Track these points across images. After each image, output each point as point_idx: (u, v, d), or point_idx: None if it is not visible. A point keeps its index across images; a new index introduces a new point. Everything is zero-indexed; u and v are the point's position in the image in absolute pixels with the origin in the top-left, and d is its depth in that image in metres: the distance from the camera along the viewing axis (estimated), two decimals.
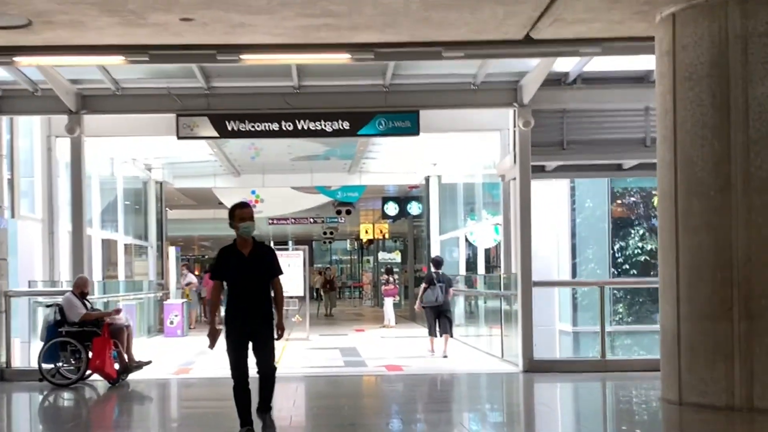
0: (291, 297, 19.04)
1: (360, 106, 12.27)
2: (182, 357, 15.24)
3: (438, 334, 14.34)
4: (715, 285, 8.51)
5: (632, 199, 16.59)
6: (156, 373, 12.26)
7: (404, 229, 30.85)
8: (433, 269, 14.99)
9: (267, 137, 12.54)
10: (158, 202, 22.27)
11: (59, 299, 11.37)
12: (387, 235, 35.61)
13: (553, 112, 12.32)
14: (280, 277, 7.26)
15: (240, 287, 7.04)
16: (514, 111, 12.10)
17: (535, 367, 11.80)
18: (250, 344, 7.16)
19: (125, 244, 20.35)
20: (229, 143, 19.99)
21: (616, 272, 15.42)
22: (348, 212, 27.19)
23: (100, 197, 18.35)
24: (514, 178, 12.43)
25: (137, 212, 21.85)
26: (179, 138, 12.07)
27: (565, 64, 11.83)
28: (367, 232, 37.89)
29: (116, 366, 11.18)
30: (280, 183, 23.62)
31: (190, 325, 21.31)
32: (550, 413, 9.77)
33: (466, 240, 20.20)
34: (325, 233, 38.17)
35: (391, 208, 26.00)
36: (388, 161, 22.65)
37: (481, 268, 18.09)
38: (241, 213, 7.02)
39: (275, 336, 7.27)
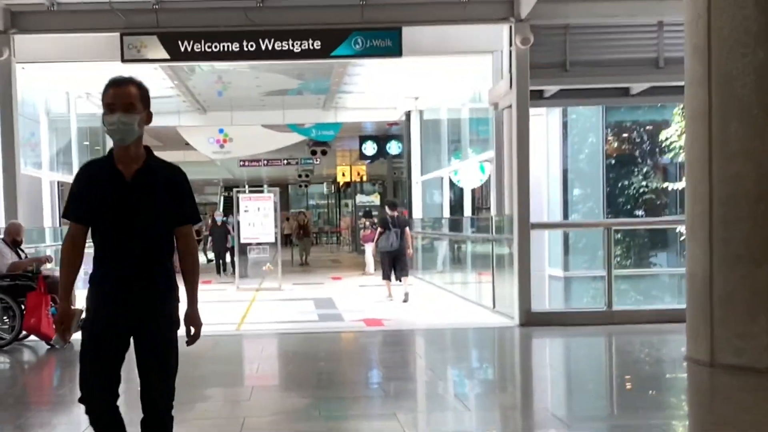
0: (261, 243, 17.56)
1: (333, 22, 10.64)
2: None
3: (397, 278, 14.00)
4: (757, 222, 7.22)
5: (631, 134, 15.26)
6: None
7: (383, 171, 29.33)
8: (388, 212, 14.45)
9: (226, 60, 10.83)
10: None
11: None
12: (365, 178, 34.08)
13: (553, 29, 10.74)
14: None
15: (112, 238, 3.94)
16: (510, 27, 10.54)
17: (532, 319, 10.46)
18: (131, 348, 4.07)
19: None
20: (193, 76, 18.37)
21: (610, 212, 14.11)
22: (323, 152, 25.59)
23: (50, 136, 16.69)
24: (510, 106, 10.93)
25: (96, 153, 20.15)
26: (123, 61, 10.39)
27: None
28: (344, 174, 36.33)
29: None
30: (249, 121, 21.95)
31: None
32: (555, 375, 8.38)
33: (450, 181, 18.74)
34: (300, 176, 36.50)
35: (369, 148, 24.45)
36: (365, 96, 21.02)
37: (467, 210, 16.65)
38: (109, 97, 3.91)
39: (181, 338, 4.22)
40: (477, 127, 16.29)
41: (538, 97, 11.16)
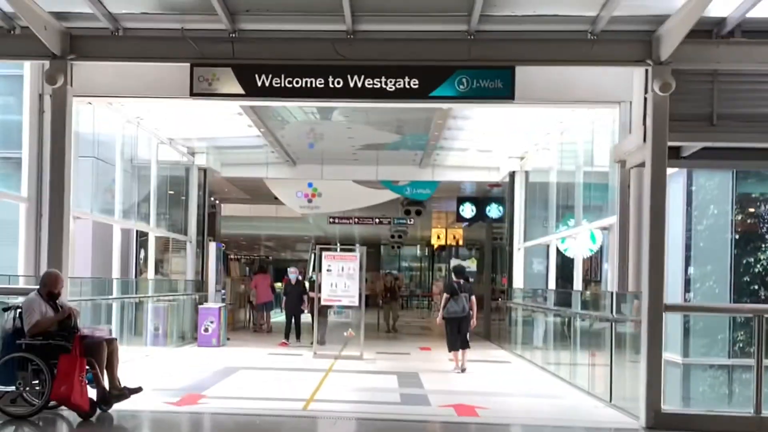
0: (345, 306, 16.03)
1: (435, 58, 9.15)
2: (202, 375, 12.33)
3: (461, 348, 13.67)
4: None
5: (759, 207, 13.26)
6: (157, 399, 9.42)
7: (481, 236, 27.56)
8: (454, 278, 14.27)
9: (308, 97, 9.37)
10: (201, 190, 19.51)
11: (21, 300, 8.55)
12: (461, 242, 32.34)
13: (699, 75, 9.04)
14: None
15: None
16: (647, 71, 8.84)
17: (662, 422, 8.55)
18: None
19: (157, 237, 17.64)
20: (285, 127, 17.24)
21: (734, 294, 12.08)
22: (418, 213, 24.06)
23: (127, 182, 15.67)
24: (641, 164, 9.18)
25: (176, 202, 19.13)
26: (192, 95, 9.15)
27: (721, 8, 8.55)
28: (438, 237, 34.70)
29: (92, 394, 8.33)
30: (340, 175, 20.68)
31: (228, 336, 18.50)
32: None
33: (557, 249, 16.91)
34: (393, 236, 35.07)
35: (468, 210, 22.79)
36: (465, 155, 19.52)
37: (576, 282, 14.74)
38: None
39: None
40: (591, 191, 14.49)
41: (674, 156, 9.36)
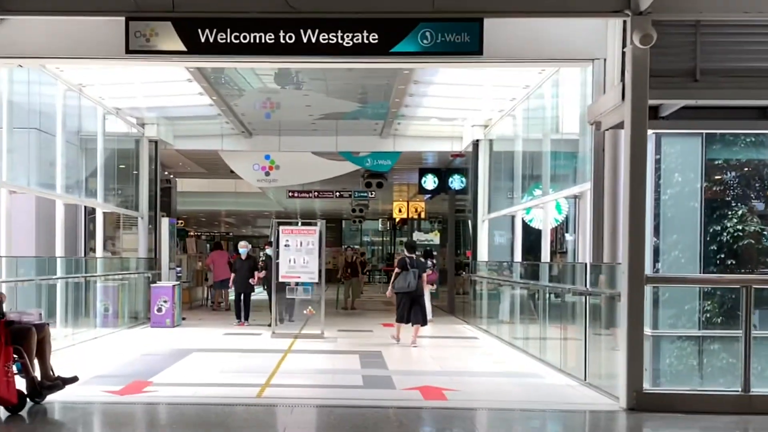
0: (302, 284, 15.28)
1: (396, 10, 8.39)
2: (151, 359, 11.53)
3: (412, 323, 13.61)
4: None
5: (732, 173, 12.74)
6: (97, 387, 8.64)
7: (443, 209, 26.93)
8: (406, 253, 14.20)
9: (257, 54, 8.43)
10: (152, 163, 18.56)
11: None
12: (423, 215, 31.72)
13: (681, 26, 8.35)
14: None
15: None
16: (625, 22, 8.15)
17: (644, 402, 7.95)
18: None
19: (106, 213, 16.71)
20: (240, 97, 16.35)
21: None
22: (379, 185, 23.29)
23: (72, 155, 14.71)
24: (619, 125, 8.52)
25: (126, 176, 18.18)
26: (129, 52, 8.27)
27: None
28: (400, 210, 34.05)
29: (21, 385, 7.51)
30: (299, 147, 19.85)
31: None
32: None
33: (523, 220, 16.31)
34: (354, 211, 34.26)
35: (430, 182, 22.16)
36: (427, 124, 18.81)
37: (544, 254, 14.14)
38: None
39: None
40: (559, 159, 13.87)
41: (652, 116, 8.69)
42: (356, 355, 12.30)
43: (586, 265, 9.88)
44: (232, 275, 17.72)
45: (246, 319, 16.83)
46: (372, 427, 7.22)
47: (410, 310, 13.63)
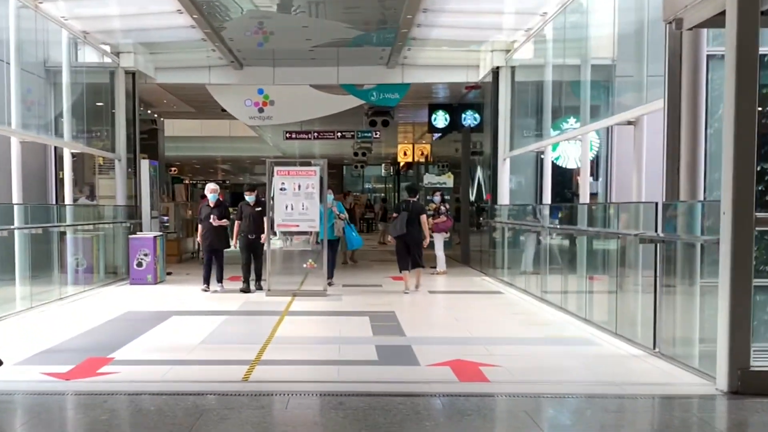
0: (303, 233, 13.31)
1: None
2: (120, 324, 9.58)
3: (411, 267, 13.25)
4: None
5: None
6: (40, 368, 6.75)
7: (449, 151, 24.81)
8: (407, 197, 13.76)
9: None
10: (130, 99, 16.43)
11: None
12: (430, 158, 29.57)
13: None
14: None
15: None
16: None
17: (753, 385, 5.98)
18: None
19: (74, 154, 14.64)
20: (228, 21, 14.20)
21: None
22: (385, 123, 21.13)
23: (21, 84, 12.57)
24: (712, 21, 6.41)
25: (99, 112, 16.08)
26: None
27: None
28: (405, 153, 31.92)
29: None
30: (295, 79, 17.71)
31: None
32: None
33: (555, 157, 14.31)
34: (356, 154, 32.05)
35: (441, 119, 19.98)
36: (440, 52, 16.65)
37: (582, 193, 12.12)
38: None
39: None
40: (600, 83, 11.87)
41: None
42: (366, 317, 10.32)
43: (656, 204, 7.82)
44: (200, 227, 13.68)
45: (219, 281, 13.24)
46: (398, 428, 5.24)
47: (407, 256, 13.20)
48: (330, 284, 13.47)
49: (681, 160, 7.64)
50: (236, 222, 13.40)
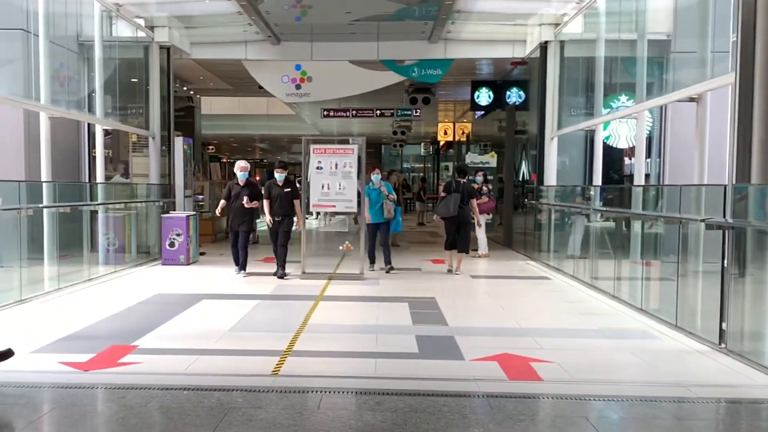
0: (339, 213, 12.78)
1: None
2: (148, 308, 9.12)
3: (458, 251, 13.00)
4: None
5: None
6: (60, 356, 6.32)
7: (491, 131, 24.08)
8: (456, 177, 13.30)
9: None
10: (164, 74, 15.99)
11: None
12: (471, 136, 28.83)
13: None
14: None
15: None
16: None
17: None
18: None
19: (109, 132, 14.26)
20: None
21: None
22: (426, 101, 20.55)
23: (51, 58, 12.16)
24: None
25: (133, 88, 15.65)
26: None
27: None
28: (446, 132, 31.24)
29: None
30: (334, 55, 17.18)
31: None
32: None
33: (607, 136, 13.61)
34: (395, 133, 31.45)
35: (484, 97, 19.34)
36: (486, 24, 15.98)
37: (636, 174, 11.42)
38: None
39: None
40: (656, 59, 11.19)
41: None
42: (405, 303, 9.77)
43: (725, 187, 7.14)
44: (222, 202, 12.81)
45: (242, 267, 12.50)
46: None
47: (456, 237, 12.98)
48: (379, 269, 12.95)
49: (754, 139, 6.94)
50: (266, 201, 12.38)
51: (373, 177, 13.22)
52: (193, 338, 7.55)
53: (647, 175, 14.27)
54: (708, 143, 9.34)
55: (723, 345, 7.08)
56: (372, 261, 13.28)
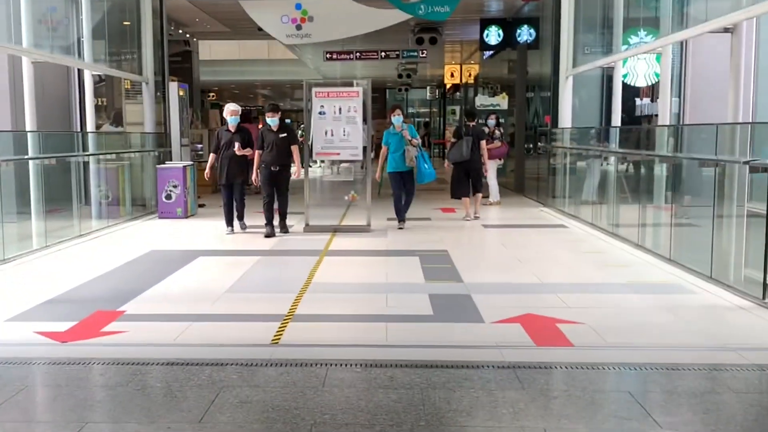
0: (344, 161, 12.07)
1: None
2: (139, 268, 8.48)
3: (469, 193, 12.84)
4: None
5: None
6: (36, 325, 5.74)
7: (500, 72, 23.18)
8: (465, 122, 13.16)
9: None
10: (157, 16, 15.15)
11: None
12: (479, 79, 27.90)
13: None
14: None
15: None
16: None
17: None
18: None
19: (102, 78, 13.50)
20: None
21: None
22: (433, 41, 19.67)
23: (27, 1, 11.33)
24: None
25: (123, 30, 14.83)
26: None
27: None
28: (452, 74, 30.33)
29: None
30: None
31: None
32: None
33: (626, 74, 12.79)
34: (400, 76, 30.50)
35: (493, 36, 18.53)
36: None
37: (662, 113, 10.64)
38: None
39: None
40: None
41: None
42: (415, 257, 9.12)
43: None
44: (211, 157, 11.55)
45: (240, 218, 11.48)
46: (466, 417, 4.06)
47: (467, 181, 12.73)
48: (401, 228, 11.68)
49: None
50: (257, 152, 11.09)
51: (394, 119, 11.69)
52: (185, 301, 6.92)
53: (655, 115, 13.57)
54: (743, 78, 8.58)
55: (766, 299, 6.43)
56: (401, 217, 11.85)
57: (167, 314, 6.40)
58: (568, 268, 8.49)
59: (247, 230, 11.48)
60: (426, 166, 11.58)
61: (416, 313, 6.37)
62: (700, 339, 5.62)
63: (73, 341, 5.51)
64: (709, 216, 7.63)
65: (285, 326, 5.88)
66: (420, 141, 11.93)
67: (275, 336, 5.60)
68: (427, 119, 47.10)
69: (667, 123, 10.39)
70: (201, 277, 8.13)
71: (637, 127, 12.64)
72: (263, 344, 5.41)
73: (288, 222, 11.43)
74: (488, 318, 6.13)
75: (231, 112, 11.36)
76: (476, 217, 12.73)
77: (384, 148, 11.63)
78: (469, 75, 29.66)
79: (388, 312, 6.43)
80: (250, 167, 11.27)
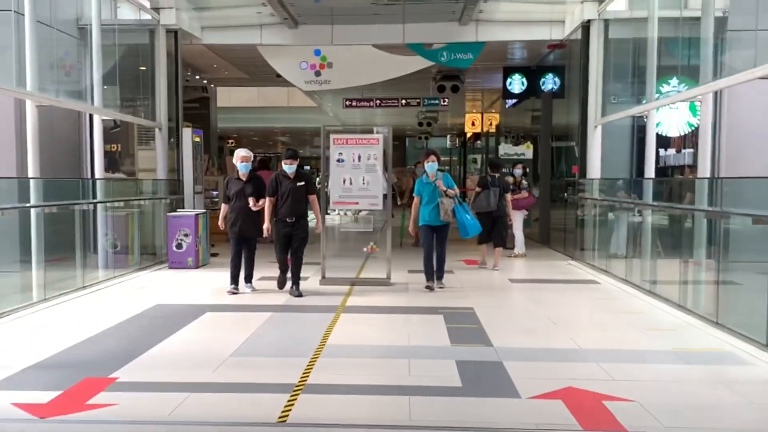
0: (362, 211, 11.46)
1: None
2: (140, 324, 7.83)
3: (494, 245, 12.77)
4: None
5: None
6: (11, 394, 5.10)
7: (522, 121, 22.62)
8: (489, 172, 13.13)
9: None
10: (172, 61, 14.73)
11: None
12: (502, 128, 27.36)
13: None
14: None
15: None
16: None
17: None
18: None
19: (113, 122, 13.05)
20: None
21: None
22: (455, 89, 19.14)
23: (37, 41, 10.90)
24: None
25: (136, 75, 14.41)
26: None
27: None
28: (473, 123, 29.83)
29: None
30: (356, 39, 15.83)
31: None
32: None
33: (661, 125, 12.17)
34: (421, 124, 30.02)
35: (516, 84, 17.98)
36: (521, 2, 14.62)
37: (701, 165, 9.99)
38: None
39: None
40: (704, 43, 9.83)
41: None
42: (439, 315, 8.44)
43: None
44: (223, 207, 10.39)
45: (248, 280, 10.30)
46: None
47: (491, 231, 12.63)
48: (437, 288, 10.47)
49: None
50: (268, 199, 9.94)
51: (427, 167, 10.47)
52: (186, 367, 6.25)
53: (690, 167, 12.93)
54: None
55: None
56: (430, 277, 10.54)
57: (164, 383, 5.74)
58: (606, 332, 7.77)
59: (271, 278, 10.65)
60: (468, 217, 10.54)
61: (442, 384, 5.68)
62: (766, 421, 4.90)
63: (52, 417, 4.86)
64: (763, 274, 6.94)
65: (295, 399, 5.21)
66: (457, 192, 10.64)
67: (283, 412, 4.92)
68: (447, 167, 46.58)
69: (708, 174, 9.74)
70: (206, 336, 7.48)
71: (676, 179, 11.98)
72: (268, 423, 4.73)
73: (303, 274, 10.45)
74: (524, 392, 5.43)
75: (242, 158, 10.26)
76: (494, 268, 12.63)
77: (416, 199, 10.63)
78: (490, 124, 29.17)
79: (411, 382, 5.74)
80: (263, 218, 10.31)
